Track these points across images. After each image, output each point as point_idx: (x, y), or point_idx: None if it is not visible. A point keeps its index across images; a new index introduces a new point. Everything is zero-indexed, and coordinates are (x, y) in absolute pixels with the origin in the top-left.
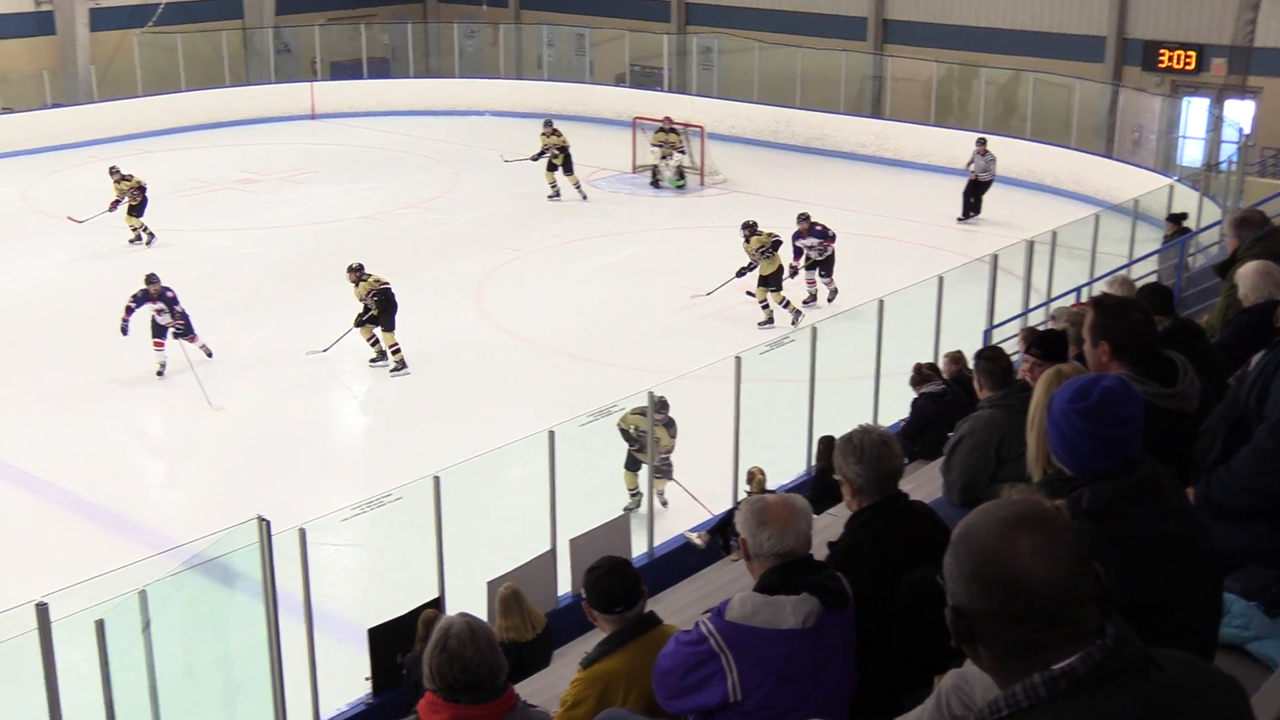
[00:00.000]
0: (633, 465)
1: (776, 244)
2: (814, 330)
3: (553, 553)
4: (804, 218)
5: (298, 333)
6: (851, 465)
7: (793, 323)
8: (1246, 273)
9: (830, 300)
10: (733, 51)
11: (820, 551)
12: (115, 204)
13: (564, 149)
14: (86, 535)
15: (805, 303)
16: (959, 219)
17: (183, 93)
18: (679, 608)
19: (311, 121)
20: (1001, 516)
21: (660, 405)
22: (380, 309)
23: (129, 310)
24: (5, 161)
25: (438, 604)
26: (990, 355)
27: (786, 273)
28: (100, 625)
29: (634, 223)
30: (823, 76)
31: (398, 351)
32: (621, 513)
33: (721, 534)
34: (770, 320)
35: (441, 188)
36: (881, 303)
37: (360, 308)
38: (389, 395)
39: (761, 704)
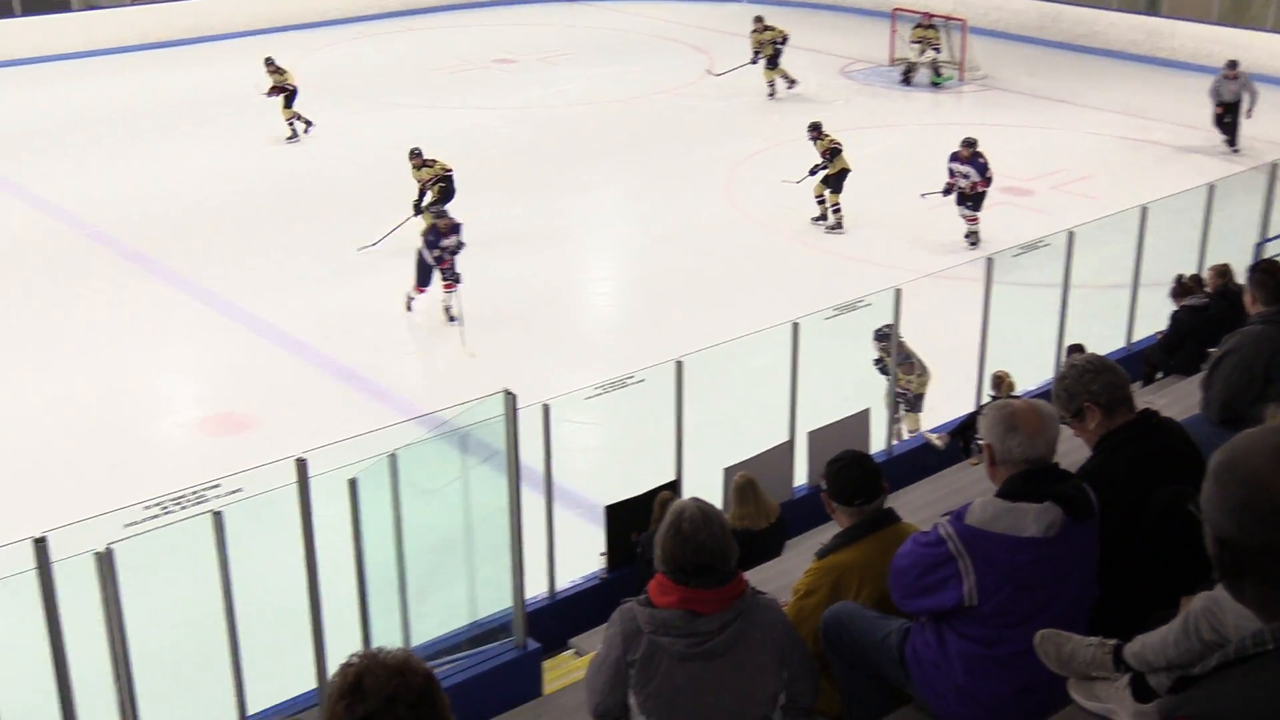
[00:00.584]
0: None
1: (836, 151)
2: (1070, 235)
3: (790, 444)
4: (970, 143)
5: (545, 215)
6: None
7: (829, 229)
8: None
9: (972, 244)
10: None
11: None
12: (276, 91)
13: (775, 42)
14: (344, 397)
15: (968, 237)
16: (1233, 149)
17: None
18: (916, 507)
19: (571, 4)
20: (1275, 443)
21: (885, 343)
22: (440, 195)
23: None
24: (278, 36)
25: (674, 487)
26: (1267, 268)
27: (941, 190)
28: (353, 484)
29: (891, 116)
30: None
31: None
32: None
33: (962, 436)
34: (823, 217)
35: (695, 74)
36: (1145, 209)
37: (417, 194)
38: (637, 277)
39: (998, 610)
